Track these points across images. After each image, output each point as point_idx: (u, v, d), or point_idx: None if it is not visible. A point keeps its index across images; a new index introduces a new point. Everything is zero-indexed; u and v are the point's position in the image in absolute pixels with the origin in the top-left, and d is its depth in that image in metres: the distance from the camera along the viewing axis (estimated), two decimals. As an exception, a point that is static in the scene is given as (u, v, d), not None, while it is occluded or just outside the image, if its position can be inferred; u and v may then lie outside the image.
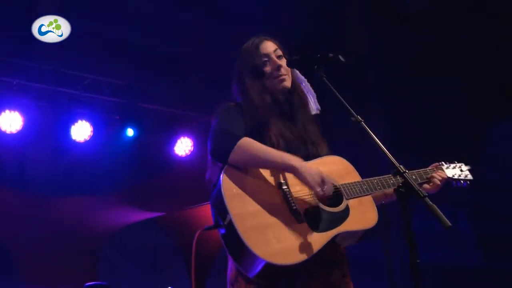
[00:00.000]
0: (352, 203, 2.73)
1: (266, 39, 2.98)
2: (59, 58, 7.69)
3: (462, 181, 3.24)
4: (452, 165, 3.25)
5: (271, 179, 2.62)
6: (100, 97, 7.71)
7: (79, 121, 7.34)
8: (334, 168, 2.81)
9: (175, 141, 8.15)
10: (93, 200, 7.84)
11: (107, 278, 6.57)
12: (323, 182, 2.56)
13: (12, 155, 7.58)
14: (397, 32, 10.34)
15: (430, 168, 3.16)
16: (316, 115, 2.97)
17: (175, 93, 8.49)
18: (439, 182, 3.05)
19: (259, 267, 2.39)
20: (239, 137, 2.59)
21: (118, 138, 7.80)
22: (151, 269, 8.65)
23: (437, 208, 2.21)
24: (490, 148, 11.33)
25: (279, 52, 2.94)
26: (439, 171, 3.12)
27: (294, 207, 2.55)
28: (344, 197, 2.71)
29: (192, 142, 8.12)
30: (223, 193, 2.47)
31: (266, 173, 2.63)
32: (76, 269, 7.65)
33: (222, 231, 2.47)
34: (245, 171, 2.59)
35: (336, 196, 2.69)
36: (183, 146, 8.14)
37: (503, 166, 10.95)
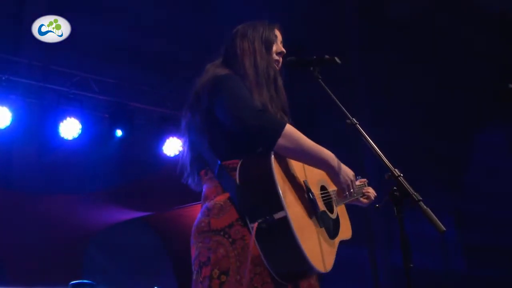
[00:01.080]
0: (337, 210, 2.73)
1: (279, 28, 2.90)
2: (48, 55, 7.65)
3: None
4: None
5: (299, 174, 2.50)
6: (89, 95, 7.67)
7: (68, 118, 7.31)
8: (322, 171, 2.71)
9: (164, 141, 8.12)
10: (80, 198, 7.80)
11: (93, 277, 6.52)
12: (352, 182, 2.58)
13: (-1, 151, 7.51)
14: (385, 36, 10.40)
15: (360, 182, 3.17)
16: None
17: (165, 93, 8.47)
18: (372, 198, 3.14)
19: (299, 268, 2.28)
20: (283, 121, 2.44)
21: (106, 136, 7.76)
22: (137, 269, 8.62)
23: (431, 212, 2.21)
24: (476, 154, 11.43)
25: (282, 46, 2.89)
26: (369, 187, 3.19)
27: (317, 210, 2.47)
28: (334, 204, 2.70)
29: (181, 142, 8.09)
30: (277, 183, 2.26)
31: (296, 166, 2.51)
32: (62, 267, 7.60)
33: (266, 225, 2.26)
34: (287, 161, 2.44)
35: (327, 202, 2.66)
36: (172, 146, 8.12)
37: (488, 173, 11.03)
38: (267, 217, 2.25)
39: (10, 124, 6.87)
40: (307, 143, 2.43)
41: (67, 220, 7.71)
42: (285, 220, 2.22)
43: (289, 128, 2.39)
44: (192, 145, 2.67)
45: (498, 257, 10.30)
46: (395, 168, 2.42)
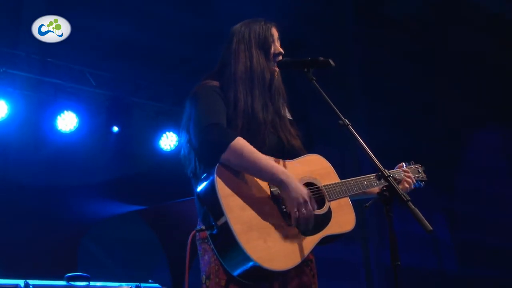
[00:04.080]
0: (332, 205, 2.75)
1: (276, 26, 2.95)
2: (46, 48, 7.66)
3: (420, 182, 3.34)
4: (412, 167, 3.35)
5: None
6: (86, 89, 7.70)
7: (65, 112, 7.35)
8: (315, 168, 2.81)
9: (161, 135, 8.17)
10: (76, 191, 7.83)
11: (88, 270, 6.54)
12: (305, 202, 2.51)
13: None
14: (382, 37, 10.43)
15: (396, 169, 3.24)
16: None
17: (162, 87, 8.51)
18: (411, 183, 3.15)
19: (248, 268, 2.39)
20: (232, 136, 2.50)
21: (103, 130, 7.80)
22: (132, 262, 8.65)
23: (419, 212, 2.26)
24: (469, 156, 11.49)
25: (279, 44, 2.94)
26: (407, 172, 3.20)
27: (284, 210, 2.54)
28: (326, 199, 2.73)
29: (178, 137, 8.14)
30: (218, 193, 2.40)
31: None
32: (57, 259, 7.63)
33: (214, 231, 2.42)
34: (236, 170, 2.52)
35: (318, 197, 2.71)
36: (168, 141, 8.17)
37: (481, 173, 11.10)
38: (213, 224, 2.41)
39: (7, 117, 6.90)
40: (252, 158, 2.50)
41: (62, 212, 7.75)
42: (226, 225, 2.37)
43: (236, 142, 2.48)
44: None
45: (490, 256, 10.39)
46: (385, 168, 2.49)
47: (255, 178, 2.56)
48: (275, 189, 2.57)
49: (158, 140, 8.17)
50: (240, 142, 2.49)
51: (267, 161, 2.54)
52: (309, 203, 2.51)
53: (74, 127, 7.36)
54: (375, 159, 2.49)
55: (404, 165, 3.31)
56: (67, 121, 7.32)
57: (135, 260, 8.71)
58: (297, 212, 2.50)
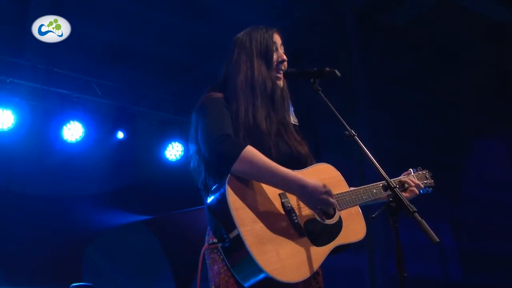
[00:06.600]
0: (343, 214, 2.73)
1: (278, 32, 2.94)
2: (52, 58, 7.70)
3: (428, 188, 3.27)
4: (420, 173, 3.28)
5: (271, 189, 2.56)
6: (92, 98, 7.73)
7: (71, 122, 7.37)
8: (324, 177, 2.76)
9: (166, 145, 8.18)
10: (81, 201, 7.84)
11: (92, 280, 6.56)
12: (327, 192, 2.54)
13: (1, 153, 7.55)
14: (384, 44, 10.43)
15: (403, 176, 3.19)
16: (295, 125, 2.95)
17: (168, 97, 8.53)
18: (416, 191, 3.07)
19: (260, 280, 2.37)
20: (242, 145, 2.49)
21: (109, 139, 7.82)
22: (137, 272, 8.66)
23: (425, 223, 2.25)
24: (474, 163, 11.46)
25: (283, 49, 2.93)
26: (412, 178, 3.14)
27: (296, 220, 2.53)
28: (336, 208, 2.71)
29: (183, 147, 8.16)
30: (230, 206, 2.38)
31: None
32: (62, 269, 7.63)
33: (226, 244, 2.40)
34: (247, 181, 2.51)
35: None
36: (174, 151, 8.19)
37: (485, 181, 11.07)
38: (225, 237, 2.39)
39: (13, 126, 6.93)
40: (264, 166, 2.49)
41: (68, 222, 7.76)
42: (238, 238, 2.34)
43: (247, 151, 2.47)
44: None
45: (494, 264, 10.34)
46: (391, 179, 2.48)
47: (266, 190, 2.54)
48: (286, 200, 2.56)
49: (164, 150, 8.18)
50: (251, 151, 2.49)
51: (279, 167, 2.52)
52: (330, 190, 2.54)
53: (80, 137, 7.39)
54: (381, 169, 2.48)
55: (412, 172, 3.25)
56: (73, 131, 7.36)
57: (139, 269, 8.71)
58: (325, 205, 2.54)
